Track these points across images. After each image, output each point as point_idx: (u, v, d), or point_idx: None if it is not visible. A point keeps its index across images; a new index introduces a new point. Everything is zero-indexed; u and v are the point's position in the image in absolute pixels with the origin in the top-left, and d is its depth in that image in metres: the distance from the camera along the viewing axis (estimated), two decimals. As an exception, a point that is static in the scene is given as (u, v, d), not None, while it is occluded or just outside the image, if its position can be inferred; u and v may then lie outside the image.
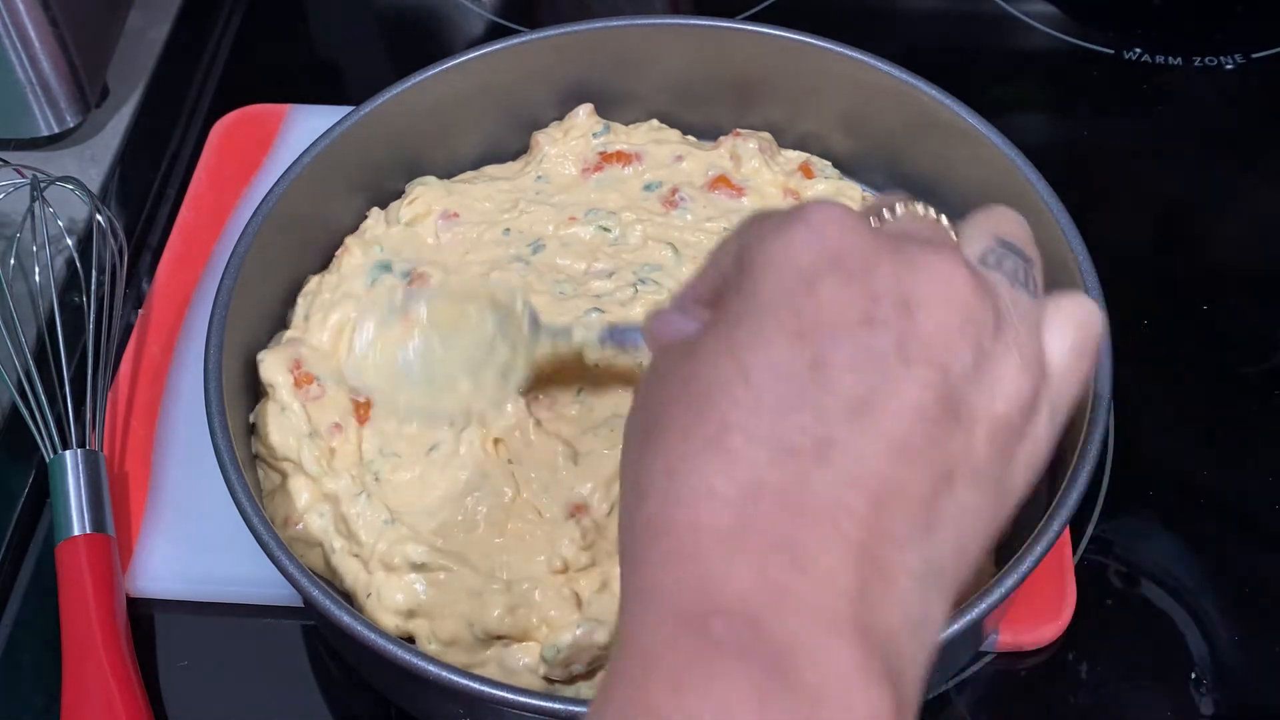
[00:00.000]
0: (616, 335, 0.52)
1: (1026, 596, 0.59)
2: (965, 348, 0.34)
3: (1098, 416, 0.53)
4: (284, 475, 0.59)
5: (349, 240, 0.65)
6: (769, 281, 0.35)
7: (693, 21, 0.68)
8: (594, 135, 0.69)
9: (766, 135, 0.69)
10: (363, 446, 0.59)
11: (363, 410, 0.60)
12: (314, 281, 0.64)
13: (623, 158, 0.68)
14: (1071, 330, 0.38)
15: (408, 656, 0.49)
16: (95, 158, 0.79)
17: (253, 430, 0.60)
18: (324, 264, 0.65)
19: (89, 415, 0.64)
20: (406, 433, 0.59)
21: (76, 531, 0.60)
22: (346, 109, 0.65)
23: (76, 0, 0.76)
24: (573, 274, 0.64)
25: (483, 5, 0.90)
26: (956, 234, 0.38)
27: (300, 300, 0.64)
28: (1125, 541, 0.63)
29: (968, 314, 0.35)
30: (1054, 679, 0.59)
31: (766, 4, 0.88)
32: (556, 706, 0.47)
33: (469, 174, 0.70)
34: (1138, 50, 0.85)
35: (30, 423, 0.64)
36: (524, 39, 0.68)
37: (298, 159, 0.63)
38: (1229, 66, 0.84)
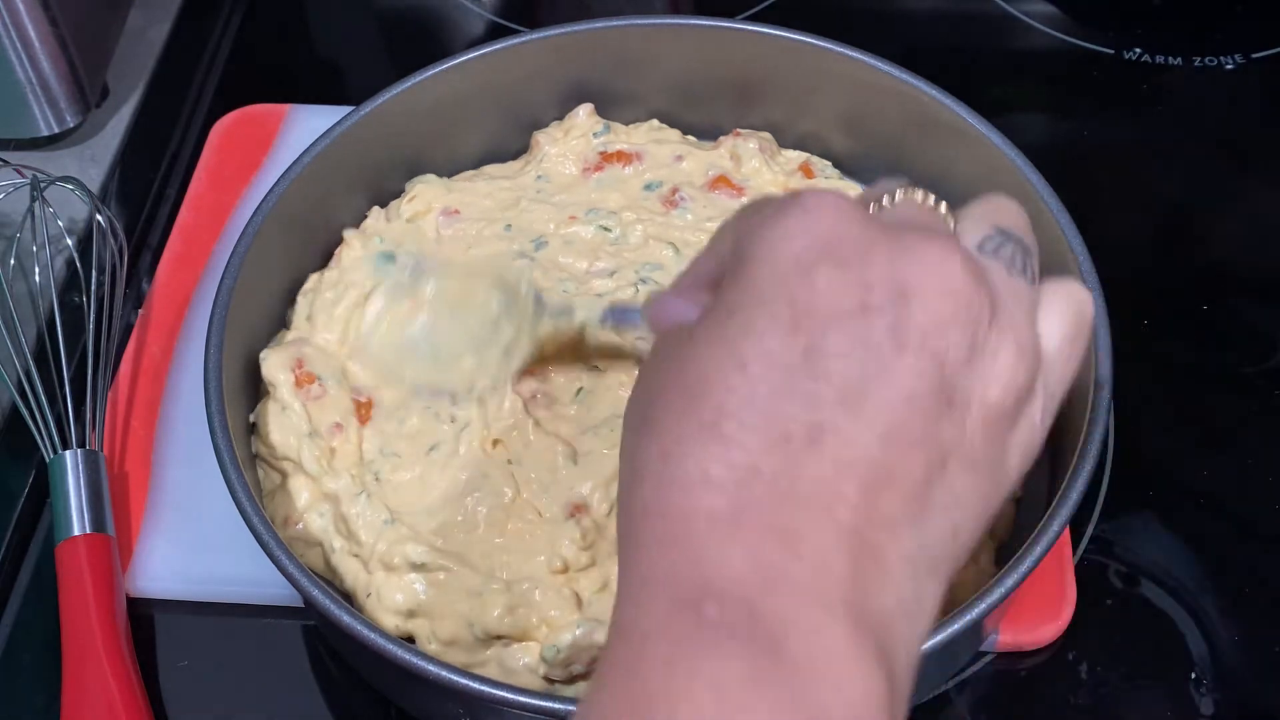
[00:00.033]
0: (618, 315, 0.53)
1: (1026, 596, 0.59)
2: (960, 335, 0.35)
3: (1098, 416, 0.53)
4: (284, 475, 0.59)
5: (348, 234, 0.65)
6: (764, 270, 0.35)
7: (693, 21, 0.68)
8: (594, 135, 0.69)
9: (767, 135, 0.70)
10: (363, 446, 0.59)
11: (363, 410, 0.60)
12: (314, 280, 0.64)
13: (623, 157, 0.68)
14: (1065, 315, 0.38)
15: (408, 656, 0.49)
16: (95, 158, 0.79)
17: (253, 430, 0.60)
18: (324, 263, 0.65)
19: (89, 415, 0.64)
20: (407, 432, 0.59)
21: (76, 531, 0.60)
22: (346, 109, 0.65)
23: (76, 0, 0.76)
24: (575, 272, 0.64)
25: (483, 5, 0.90)
26: (955, 222, 0.39)
27: (301, 299, 0.63)
28: (1125, 541, 0.63)
29: (963, 301, 0.35)
30: (1054, 679, 0.59)
31: (766, 4, 0.88)
32: (556, 706, 0.47)
33: (469, 173, 0.70)
34: (1138, 50, 0.85)
35: (30, 423, 0.64)
36: (524, 39, 0.68)
37: (298, 159, 0.63)
38: (1229, 66, 0.84)
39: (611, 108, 0.70)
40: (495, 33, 0.87)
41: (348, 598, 0.56)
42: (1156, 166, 0.79)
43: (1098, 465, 0.53)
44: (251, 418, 0.60)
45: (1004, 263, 0.37)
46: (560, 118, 0.70)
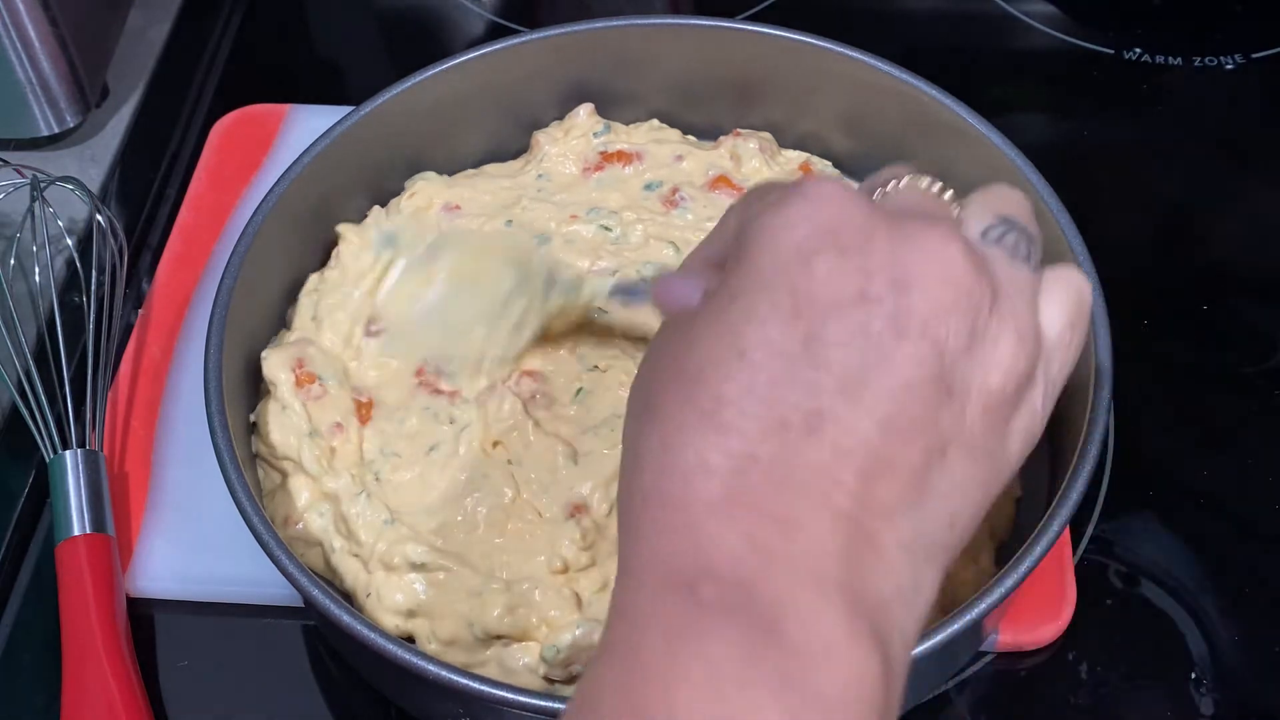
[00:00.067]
0: (625, 291, 0.53)
1: (1026, 596, 0.59)
2: (960, 323, 0.35)
3: (1097, 416, 0.53)
4: (284, 474, 0.59)
5: (343, 228, 0.65)
6: (765, 258, 0.36)
7: (693, 21, 0.68)
8: (594, 135, 0.69)
9: (767, 135, 0.70)
10: (363, 446, 0.59)
11: (364, 410, 0.60)
12: (317, 280, 0.64)
13: (623, 157, 0.68)
14: (1065, 302, 0.38)
15: (408, 656, 0.49)
16: (95, 158, 0.79)
17: (253, 429, 0.60)
18: (324, 263, 0.65)
19: (89, 415, 0.64)
20: (407, 432, 0.59)
21: (76, 531, 0.60)
22: (346, 109, 0.65)
23: (76, 0, 0.76)
24: (576, 271, 0.64)
25: (483, 5, 0.90)
26: (960, 210, 0.39)
27: (304, 300, 0.63)
28: (1125, 541, 0.63)
29: (963, 289, 0.35)
30: (1054, 679, 0.59)
31: (766, 4, 0.88)
32: (556, 706, 0.47)
33: (469, 171, 0.70)
34: (1138, 50, 0.85)
35: (30, 423, 0.64)
36: (524, 39, 0.68)
37: (298, 158, 0.63)
38: (1229, 66, 0.84)
39: (611, 108, 0.70)
40: (495, 33, 0.87)
41: (348, 598, 0.56)
42: (1156, 166, 0.79)
43: (1098, 465, 0.53)
44: (252, 418, 0.60)
45: (1007, 251, 0.37)
46: (560, 118, 0.70)
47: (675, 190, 0.66)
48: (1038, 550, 0.50)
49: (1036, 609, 0.59)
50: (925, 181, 0.39)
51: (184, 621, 0.62)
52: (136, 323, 0.70)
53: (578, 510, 0.56)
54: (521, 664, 0.54)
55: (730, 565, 0.33)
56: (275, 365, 0.60)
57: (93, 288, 0.67)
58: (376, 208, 0.67)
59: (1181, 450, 0.67)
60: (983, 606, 0.49)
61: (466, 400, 0.59)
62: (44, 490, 0.64)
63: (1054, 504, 0.51)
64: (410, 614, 0.55)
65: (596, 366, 0.60)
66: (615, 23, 0.68)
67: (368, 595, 0.55)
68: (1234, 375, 0.70)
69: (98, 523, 0.61)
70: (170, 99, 0.83)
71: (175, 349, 0.69)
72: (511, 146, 0.71)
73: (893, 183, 0.39)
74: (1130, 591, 0.62)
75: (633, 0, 0.91)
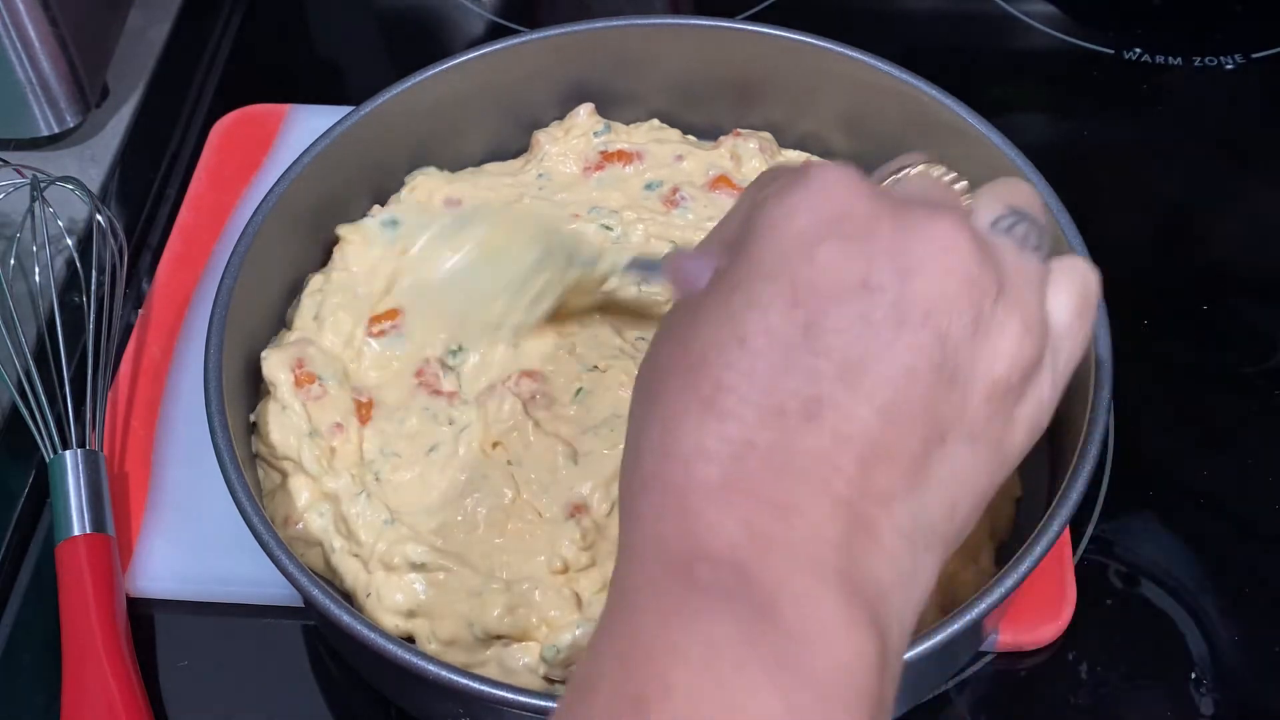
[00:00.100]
0: (640, 266, 0.54)
1: (1026, 596, 0.59)
2: (963, 311, 0.35)
3: (1098, 417, 0.53)
4: (284, 474, 0.59)
5: (343, 229, 0.65)
6: (769, 246, 0.36)
7: (693, 21, 0.68)
8: (595, 134, 0.69)
9: (767, 135, 0.70)
10: (363, 446, 0.59)
11: (364, 410, 0.60)
12: (319, 280, 0.64)
13: (624, 157, 0.68)
14: (1072, 292, 0.38)
15: (408, 656, 0.49)
16: (95, 158, 0.79)
17: (253, 429, 0.60)
18: (324, 263, 0.65)
19: (89, 415, 0.64)
20: (407, 433, 0.59)
21: (76, 531, 0.60)
22: (347, 109, 0.65)
23: (76, 0, 0.76)
24: (597, 246, 0.63)
25: (483, 5, 0.90)
26: (971, 199, 0.39)
27: (307, 300, 0.63)
28: (1125, 541, 0.63)
29: (967, 278, 0.35)
30: (1054, 679, 0.59)
31: (766, 4, 0.88)
32: (556, 706, 0.47)
33: (470, 169, 0.70)
34: (1138, 50, 0.85)
35: (30, 423, 0.64)
36: (524, 39, 0.68)
37: (298, 158, 0.63)
38: (1229, 66, 0.84)
39: (612, 107, 0.70)
40: (495, 33, 0.87)
41: (348, 598, 0.56)
42: (1156, 166, 0.79)
43: (1098, 465, 0.53)
44: (252, 417, 0.60)
45: (1016, 241, 0.38)
46: (560, 117, 0.70)
47: (676, 190, 0.66)
48: (1038, 550, 0.50)
49: (1036, 609, 0.59)
50: (938, 171, 0.39)
51: (184, 621, 0.62)
52: (136, 323, 0.70)
53: (578, 510, 0.56)
54: (521, 664, 0.54)
55: (728, 550, 0.33)
56: (275, 365, 0.60)
57: (93, 288, 0.67)
58: (376, 207, 0.67)
59: (1181, 450, 0.67)
60: (983, 606, 0.48)
61: (466, 401, 0.59)
62: (44, 490, 0.64)
63: (1054, 504, 0.51)
64: (410, 614, 0.55)
65: (596, 366, 0.60)
66: (615, 23, 0.68)
67: (368, 595, 0.55)
68: (1234, 375, 0.70)
69: (98, 523, 0.61)
70: (170, 99, 0.83)
71: (175, 349, 0.69)
72: (512, 146, 0.71)
73: (905, 170, 0.39)
74: (1130, 591, 0.62)
75: (633, 0, 0.91)
